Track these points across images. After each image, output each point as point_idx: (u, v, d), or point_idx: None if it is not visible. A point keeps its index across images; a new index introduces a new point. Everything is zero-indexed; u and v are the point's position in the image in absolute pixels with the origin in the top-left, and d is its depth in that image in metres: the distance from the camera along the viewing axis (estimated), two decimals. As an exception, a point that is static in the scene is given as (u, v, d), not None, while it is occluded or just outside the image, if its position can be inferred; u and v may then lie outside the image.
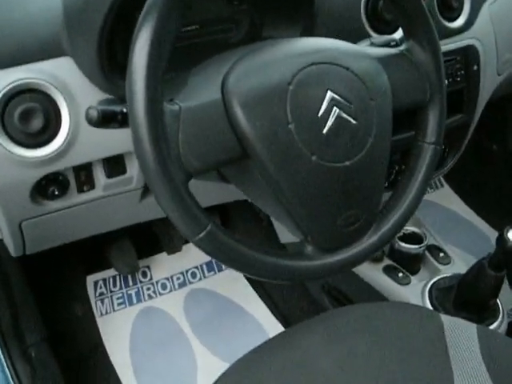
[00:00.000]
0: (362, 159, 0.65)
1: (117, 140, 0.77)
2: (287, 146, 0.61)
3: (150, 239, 1.44)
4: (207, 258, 1.41)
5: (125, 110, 0.58)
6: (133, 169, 0.84)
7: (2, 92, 0.69)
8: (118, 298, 1.35)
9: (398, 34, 0.87)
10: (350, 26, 0.91)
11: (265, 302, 1.37)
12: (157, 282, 1.40)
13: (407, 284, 1.13)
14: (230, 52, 0.66)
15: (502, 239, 0.91)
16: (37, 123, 0.72)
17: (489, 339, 0.70)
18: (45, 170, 0.76)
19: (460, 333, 0.70)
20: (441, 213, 1.68)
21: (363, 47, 0.75)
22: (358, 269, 1.11)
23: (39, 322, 1.12)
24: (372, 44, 0.80)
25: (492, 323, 1.03)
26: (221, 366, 0.70)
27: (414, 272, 1.17)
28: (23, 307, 1.08)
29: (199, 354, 1.27)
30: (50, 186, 0.79)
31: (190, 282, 1.41)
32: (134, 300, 1.36)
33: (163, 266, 1.43)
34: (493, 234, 1.56)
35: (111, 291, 1.36)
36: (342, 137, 0.64)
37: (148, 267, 1.43)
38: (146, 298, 1.36)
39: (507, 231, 0.90)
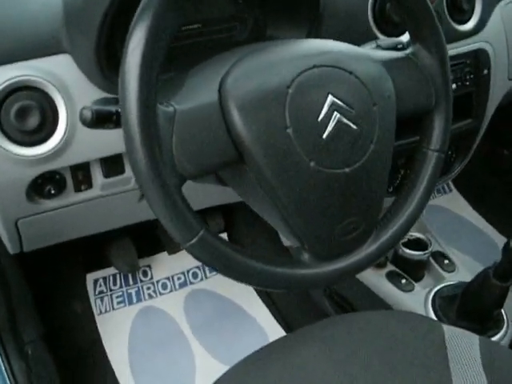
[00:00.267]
0: (362, 166, 0.64)
1: (115, 139, 0.76)
2: (284, 151, 0.59)
3: (152, 238, 1.43)
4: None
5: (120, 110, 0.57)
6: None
7: None
8: (117, 297, 1.35)
9: (406, 36, 0.85)
10: (357, 28, 0.89)
11: (267, 305, 1.36)
12: (157, 282, 1.39)
13: (410, 291, 1.11)
14: (230, 52, 0.65)
15: (508, 249, 0.89)
16: (33, 121, 0.71)
17: (491, 351, 0.69)
18: (41, 168, 0.75)
19: (461, 344, 0.69)
20: (448, 218, 1.66)
21: (367, 50, 0.73)
22: (361, 274, 1.10)
23: (36, 320, 1.12)
24: (378, 46, 0.78)
25: (496, 334, 1.01)
26: (220, 369, 0.70)
27: (418, 279, 1.15)
28: (20, 304, 1.08)
29: (198, 355, 1.26)
30: (46, 184, 0.78)
31: (191, 283, 1.40)
32: (134, 299, 1.35)
33: (164, 265, 1.42)
34: (501, 241, 1.53)
35: (111, 290, 1.36)
36: (342, 143, 0.62)
37: (149, 266, 1.42)
38: (146, 297, 1.36)
39: None
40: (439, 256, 1.18)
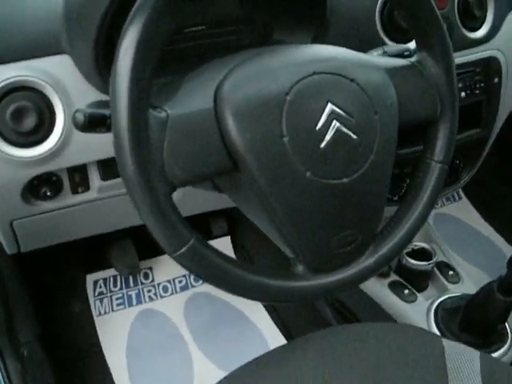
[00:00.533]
0: (361, 176, 0.61)
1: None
2: (279, 161, 0.57)
3: (153, 240, 1.41)
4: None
5: None
6: None
7: None
8: (117, 299, 1.33)
9: (414, 43, 0.84)
10: (364, 33, 0.88)
11: (269, 312, 1.34)
12: (158, 285, 1.38)
13: (413, 302, 1.10)
14: (230, 57, 0.63)
15: (513, 263, 0.87)
16: (29, 122, 0.70)
17: (491, 367, 0.67)
18: (36, 170, 0.75)
19: (461, 359, 0.67)
20: (457, 227, 1.63)
21: (371, 57, 0.71)
22: (363, 283, 1.08)
23: (33, 321, 1.11)
24: (385, 53, 0.76)
25: (499, 348, 1.00)
26: (218, 375, 0.69)
27: (421, 289, 1.14)
28: (17, 305, 1.07)
29: (197, 360, 1.24)
30: (42, 186, 0.78)
31: (193, 286, 1.39)
32: (134, 301, 1.34)
33: (165, 268, 1.41)
34: (510, 252, 1.50)
35: (111, 291, 1.35)
36: (341, 152, 0.60)
37: (150, 269, 1.41)
38: (147, 299, 1.34)
39: None
40: (444, 266, 1.16)
